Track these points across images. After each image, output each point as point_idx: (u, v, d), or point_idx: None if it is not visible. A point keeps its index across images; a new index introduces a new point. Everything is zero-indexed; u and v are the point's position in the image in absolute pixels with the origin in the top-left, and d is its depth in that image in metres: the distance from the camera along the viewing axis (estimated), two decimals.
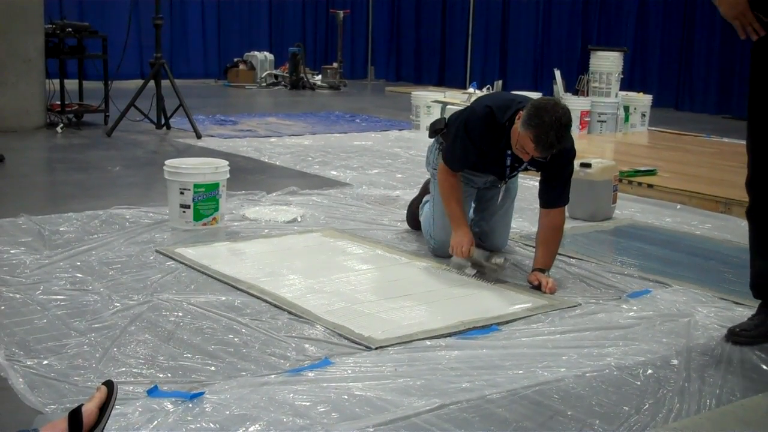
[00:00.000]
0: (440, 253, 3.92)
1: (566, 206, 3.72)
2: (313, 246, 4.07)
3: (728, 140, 8.34)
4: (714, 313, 3.21)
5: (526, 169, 3.86)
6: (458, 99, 7.94)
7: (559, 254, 3.96)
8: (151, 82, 7.75)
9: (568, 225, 4.63)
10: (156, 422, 2.20)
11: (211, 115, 9.15)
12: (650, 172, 5.70)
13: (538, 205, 4.86)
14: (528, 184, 5.80)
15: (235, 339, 2.83)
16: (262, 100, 11.77)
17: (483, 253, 3.73)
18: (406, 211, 4.49)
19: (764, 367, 2.74)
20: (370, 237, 4.24)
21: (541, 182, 3.71)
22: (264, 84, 13.30)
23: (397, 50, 15.67)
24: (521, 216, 4.80)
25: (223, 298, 3.23)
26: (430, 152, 4.16)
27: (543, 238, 3.65)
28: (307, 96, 12.32)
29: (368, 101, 12.10)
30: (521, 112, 3.45)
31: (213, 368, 2.59)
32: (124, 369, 2.55)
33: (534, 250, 3.73)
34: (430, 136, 4.14)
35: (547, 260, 3.60)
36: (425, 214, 4.11)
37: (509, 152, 3.64)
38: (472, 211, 4.10)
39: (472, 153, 3.71)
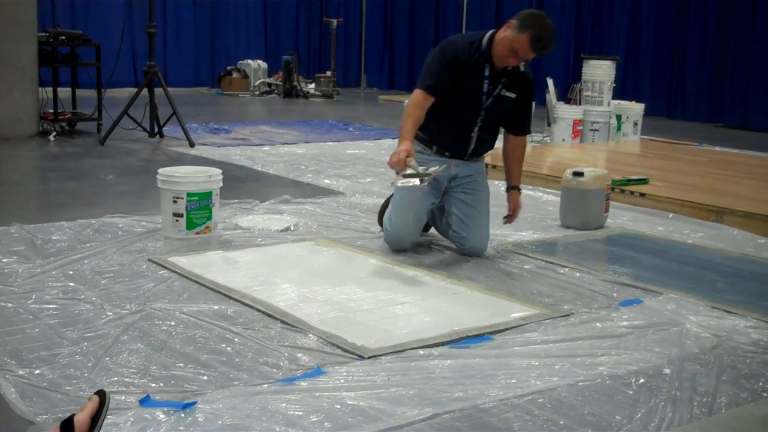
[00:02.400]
0: (392, 244, 4.10)
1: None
2: (307, 255, 4.07)
3: (720, 149, 8.38)
4: (706, 321, 3.22)
5: (500, 101, 3.99)
6: None
7: (551, 263, 3.99)
8: (145, 91, 7.76)
9: (561, 233, 4.67)
10: None
11: (204, 123, 9.15)
12: (642, 181, 5.72)
13: (528, 213, 4.94)
14: (526, 192, 5.81)
15: (228, 348, 2.83)
16: (256, 109, 11.78)
17: (418, 164, 3.79)
18: (378, 215, 4.51)
19: (756, 376, 2.74)
20: (363, 246, 4.24)
21: (509, 117, 4.10)
22: (257, 92, 13.32)
23: (390, 59, 15.71)
24: (512, 224, 4.80)
25: (216, 307, 3.22)
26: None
27: (516, 157, 4.22)
28: (300, 104, 12.33)
29: (361, 110, 12.12)
30: (502, 29, 3.85)
31: (205, 378, 2.58)
32: (116, 378, 2.55)
33: (528, 258, 3.73)
34: None
35: (520, 177, 4.25)
36: (387, 211, 4.20)
37: (488, 68, 3.91)
38: (450, 223, 4.14)
39: (450, 69, 3.89)
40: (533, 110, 4.21)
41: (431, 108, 3.94)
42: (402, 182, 3.79)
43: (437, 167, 3.85)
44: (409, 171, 3.72)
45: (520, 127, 4.15)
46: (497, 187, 5.93)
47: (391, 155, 3.81)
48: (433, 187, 4.04)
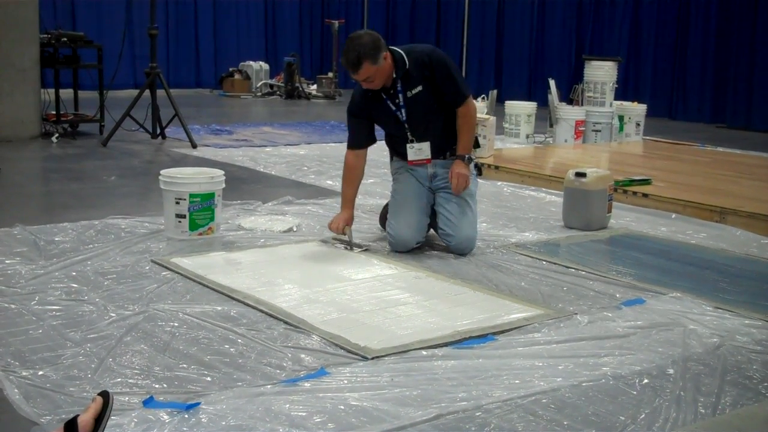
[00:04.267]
0: (397, 248, 4.13)
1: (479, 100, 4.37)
2: (309, 256, 4.07)
3: (723, 149, 8.37)
4: (709, 322, 3.22)
5: (414, 102, 4.12)
6: None
7: (554, 263, 3.99)
8: (147, 92, 7.76)
9: (564, 234, 4.66)
10: None
11: (206, 124, 9.15)
12: (645, 182, 5.71)
13: (531, 214, 4.98)
14: (523, 193, 5.81)
15: (231, 349, 2.83)
16: (258, 110, 11.78)
17: (352, 236, 4.21)
18: (379, 216, 4.62)
19: (760, 376, 2.74)
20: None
21: (442, 98, 4.15)
22: (259, 94, 13.32)
23: None
24: (515, 225, 4.81)
25: (219, 308, 3.22)
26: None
27: (461, 126, 4.18)
28: (302, 106, 12.33)
29: None
30: None
31: (209, 378, 2.58)
32: (119, 379, 2.55)
33: (531, 258, 3.78)
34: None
35: (466, 145, 4.19)
36: (387, 217, 4.31)
37: (383, 92, 4.12)
38: (438, 222, 4.22)
39: (358, 120, 4.25)
40: (456, 78, 4.16)
41: (387, 139, 4.36)
42: (332, 241, 4.24)
43: (358, 248, 4.17)
44: (343, 237, 4.19)
45: (452, 100, 4.16)
46: (499, 188, 5.95)
47: (333, 219, 4.25)
48: (425, 188, 4.23)
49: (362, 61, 3.91)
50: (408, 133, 4.18)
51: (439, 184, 4.23)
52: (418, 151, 4.19)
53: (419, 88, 4.09)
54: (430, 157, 4.19)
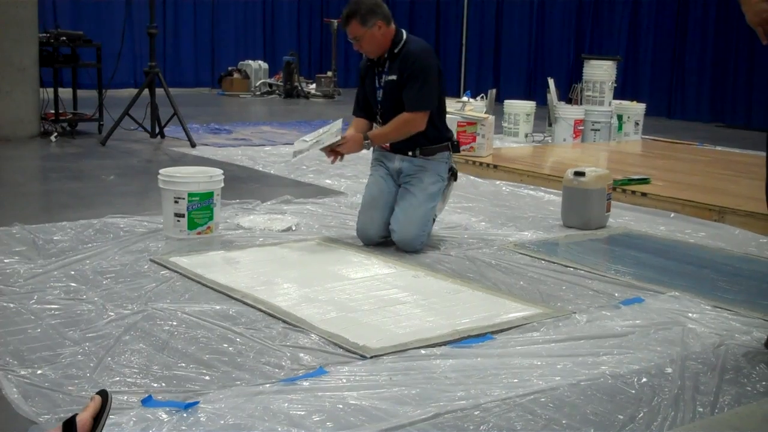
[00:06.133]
0: (363, 242, 4.25)
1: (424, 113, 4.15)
2: (308, 255, 4.07)
3: (721, 148, 8.38)
4: (708, 321, 3.22)
5: (389, 88, 4.15)
6: (452, 108, 7.94)
7: (553, 262, 3.99)
8: (146, 91, 7.76)
9: (562, 233, 4.66)
10: None
11: (205, 123, 9.15)
12: (644, 181, 5.72)
13: (529, 213, 4.96)
14: (522, 192, 5.82)
15: (230, 348, 2.83)
16: (257, 109, 11.78)
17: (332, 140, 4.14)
18: None
19: (758, 375, 2.74)
20: (364, 246, 4.24)
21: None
22: (258, 93, 13.32)
23: None
24: (514, 224, 4.81)
25: (218, 307, 3.22)
26: None
27: (392, 120, 4.14)
28: (301, 105, 12.33)
29: None
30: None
31: (207, 377, 2.58)
32: (118, 378, 2.55)
33: (530, 258, 3.80)
34: None
35: (379, 134, 4.20)
36: None
37: (378, 66, 4.21)
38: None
39: (360, 83, 4.35)
40: (420, 88, 4.07)
41: None
42: (296, 150, 4.27)
43: (332, 140, 4.12)
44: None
45: (405, 102, 4.10)
46: (498, 187, 5.95)
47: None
48: (394, 182, 4.30)
49: (351, 18, 4.04)
50: (377, 116, 4.26)
51: (404, 180, 4.26)
52: None
53: (394, 77, 4.13)
54: (387, 144, 4.27)
